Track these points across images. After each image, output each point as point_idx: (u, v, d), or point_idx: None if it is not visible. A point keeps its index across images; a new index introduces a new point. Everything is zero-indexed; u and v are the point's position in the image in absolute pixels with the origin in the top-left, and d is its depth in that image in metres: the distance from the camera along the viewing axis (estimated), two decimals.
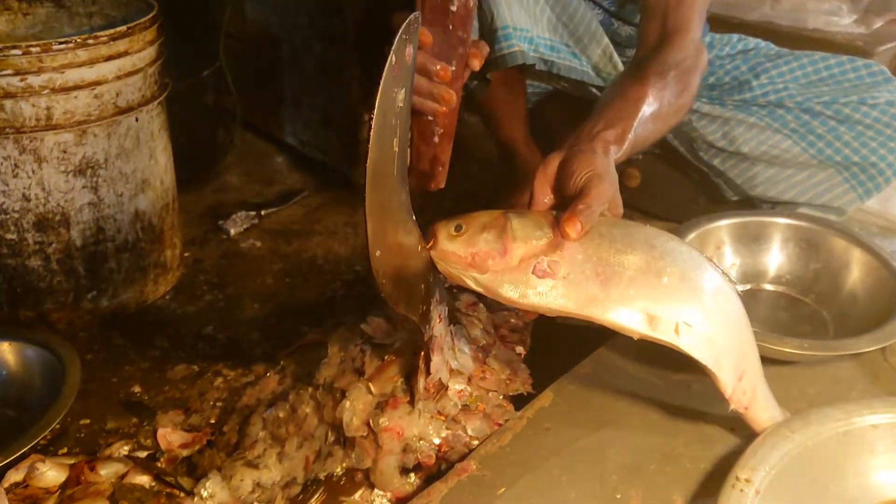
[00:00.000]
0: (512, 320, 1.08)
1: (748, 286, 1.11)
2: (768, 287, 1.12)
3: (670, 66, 0.99)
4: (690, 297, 0.73)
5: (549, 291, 0.70)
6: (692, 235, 1.09)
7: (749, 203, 1.28)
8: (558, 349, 1.13)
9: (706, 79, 1.32)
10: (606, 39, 1.20)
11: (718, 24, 1.47)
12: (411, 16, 0.59)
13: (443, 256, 0.71)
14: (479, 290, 0.72)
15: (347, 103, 1.58)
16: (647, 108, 0.92)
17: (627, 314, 0.71)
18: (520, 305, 0.72)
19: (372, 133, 0.55)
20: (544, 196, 0.78)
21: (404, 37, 0.58)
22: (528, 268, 0.70)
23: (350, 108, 1.58)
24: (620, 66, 1.26)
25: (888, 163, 1.20)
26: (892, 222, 1.31)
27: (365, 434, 0.87)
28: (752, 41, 1.35)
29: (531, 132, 1.34)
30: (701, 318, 0.73)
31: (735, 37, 1.36)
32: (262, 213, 1.50)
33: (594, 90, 1.29)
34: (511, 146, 1.30)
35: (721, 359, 0.75)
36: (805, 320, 1.06)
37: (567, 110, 1.42)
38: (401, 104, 0.59)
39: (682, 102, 0.99)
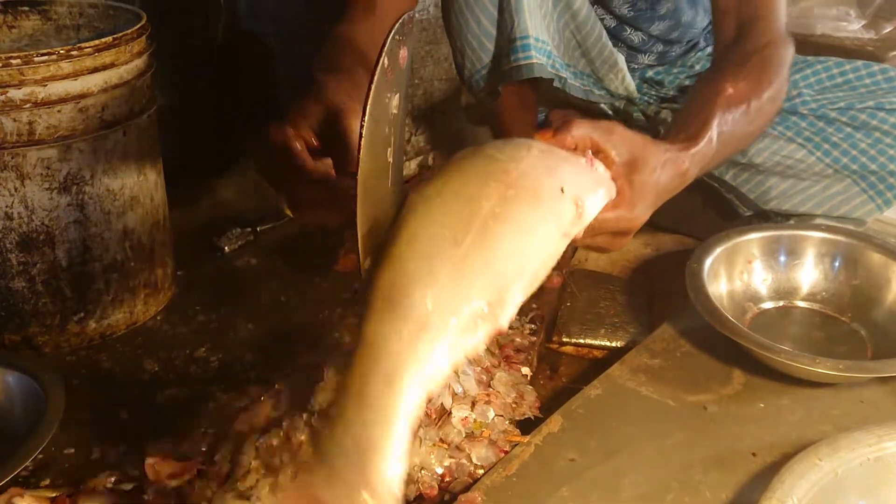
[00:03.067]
0: (517, 339, 1.04)
1: (781, 303, 1.07)
2: (802, 304, 1.07)
3: (749, 53, 0.90)
4: None
5: None
6: (720, 249, 1.04)
7: (764, 217, 1.24)
8: (566, 370, 1.09)
9: None
10: (621, 61, 1.16)
11: None
12: (404, 16, 0.55)
13: None
14: None
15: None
16: (728, 102, 0.83)
17: None
18: None
19: (363, 141, 0.50)
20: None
21: (397, 38, 0.53)
22: None
23: None
24: (632, 87, 1.22)
25: None
26: None
27: None
28: None
29: None
30: None
31: None
32: (258, 229, 1.46)
33: (604, 107, 1.26)
34: None
35: None
36: (841, 340, 1.02)
37: None
38: (395, 110, 0.55)
39: (771, 93, 0.89)
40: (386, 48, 0.51)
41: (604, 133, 0.68)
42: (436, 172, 0.58)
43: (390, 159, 0.56)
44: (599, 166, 0.67)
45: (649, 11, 1.18)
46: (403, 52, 0.55)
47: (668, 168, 0.73)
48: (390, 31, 0.52)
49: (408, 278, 0.52)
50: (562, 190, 0.58)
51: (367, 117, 0.50)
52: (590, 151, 0.66)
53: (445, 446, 0.83)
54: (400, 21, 0.54)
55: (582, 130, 0.66)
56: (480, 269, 0.53)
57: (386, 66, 0.52)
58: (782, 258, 1.07)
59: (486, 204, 0.54)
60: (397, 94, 0.55)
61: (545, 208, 0.57)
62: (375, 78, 0.50)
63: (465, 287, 0.52)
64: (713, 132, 0.80)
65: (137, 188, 1.13)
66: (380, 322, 0.51)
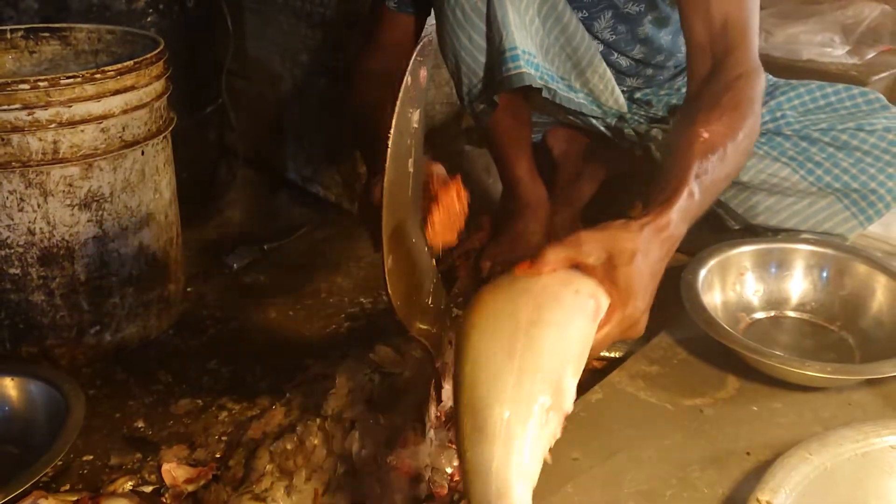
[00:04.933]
0: None
1: (772, 313, 1.11)
2: (792, 314, 1.12)
3: (722, 90, 0.90)
4: None
5: None
6: (714, 261, 1.09)
7: (753, 231, 1.28)
8: None
9: None
10: (609, 73, 1.21)
11: None
12: (425, 39, 0.60)
13: None
14: None
15: (349, 139, 1.59)
16: (704, 149, 0.82)
17: None
18: None
19: (388, 153, 0.55)
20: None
21: (419, 59, 0.58)
22: None
23: (352, 143, 1.59)
24: (622, 100, 1.27)
25: (888, 189, 1.21)
26: (894, 247, 1.32)
27: (373, 470, 0.85)
28: None
29: (536, 162, 1.34)
30: None
31: None
32: (265, 247, 1.50)
33: (594, 121, 1.31)
34: (514, 176, 1.30)
35: None
36: (830, 347, 1.06)
37: (570, 141, 1.44)
38: (415, 125, 0.60)
39: (745, 130, 0.88)
40: (409, 68, 0.56)
41: (574, 246, 0.70)
42: (473, 300, 0.68)
43: (411, 169, 0.60)
44: (599, 295, 0.71)
45: (629, 35, 1.23)
46: (423, 72, 0.60)
47: (651, 244, 0.73)
48: (413, 53, 0.57)
49: (482, 402, 0.61)
50: (577, 291, 0.68)
51: (392, 130, 0.55)
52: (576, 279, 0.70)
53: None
54: (421, 43, 0.59)
55: (554, 253, 0.69)
56: (536, 372, 0.63)
57: (409, 84, 0.57)
58: (773, 270, 1.11)
59: (524, 315, 0.64)
60: (418, 110, 0.60)
61: (570, 305, 0.67)
62: (400, 95, 0.55)
63: (529, 392, 0.62)
64: (692, 185, 0.79)
65: (153, 205, 1.18)
66: (476, 447, 0.60)
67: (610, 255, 0.71)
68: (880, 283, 1.06)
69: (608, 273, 0.71)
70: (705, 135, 0.84)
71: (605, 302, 0.70)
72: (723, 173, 0.85)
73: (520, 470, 0.60)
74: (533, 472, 0.61)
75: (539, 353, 0.63)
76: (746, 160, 0.95)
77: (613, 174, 1.45)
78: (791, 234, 1.24)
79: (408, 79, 0.56)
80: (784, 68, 1.65)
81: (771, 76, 1.35)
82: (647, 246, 0.72)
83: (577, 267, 0.70)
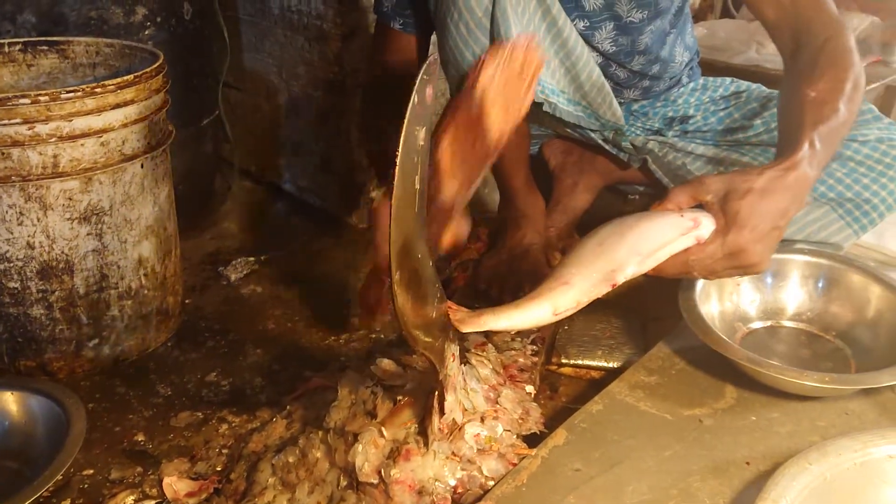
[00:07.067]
0: (520, 360, 1.08)
1: (768, 322, 1.12)
2: (788, 324, 1.13)
3: (815, 56, 0.95)
4: None
5: None
6: None
7: None
8: (565, 390, 1.14)
9: (698, 123, 1.35)
10: (607, 86, 1.23)
11: (706, 67, 1.51)
12: (430, 58, 0.61)
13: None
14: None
15: (345, 149, 1.60)
16: (815, 105, 0.90)
17: None
18: None
19: (397, 171, 0.56)
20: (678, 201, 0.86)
21: (425, 77, 0.59)
22: None
23: (348, 153, 1.60)
24: (619, 113, 1.29)
25: (881, 198, 1.23)
26: (888, 256, 1.33)
27: (376, 483, 0.86)
28: (744, 84, 1.39)
29: (533, 174, 1.35)
30: None
31: (727, 80, 1.40)
32: (263, 258, 1.50)
33: (592, 134, 1.32)
34: (512, 187, 1.31)
35: None
36: (827, 357, 1.07)
37: (566, 153, 1.45)
38: (422, 142, 0.60)
39: (852, 80, 0.93)
40: (416, 87, 0.57)
41: (696, 185, 0.84)
42: None
43: (417, 186, 0.61)
44: (701, 216, 0.85)
45: (629, 46, 1.25)
46: (429, 91, 0.61)
47: (772, 186, 0.83)
48: (419, 72, 0.58)
49: (567, 264, 0.84)
50: (682, 214, 0.85)
51: (400, 148, 0.56)
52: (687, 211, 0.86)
53: (458, 459, 0.87)
54: (427, 62, 0.60)
55: (677, 192, 0.84)
56: (606, 254, 0.83)
57: (416, 103, 0.58)
58: (769, 280, 1.13)
59: (629, 221, 0.85)
60: (424, 128, 0.61)
61: (665, 220, 0.85)
62: (407, 114, 0.56)
63: (595, 263, 0.82)
64: (812, 136, 0.87)
65: (152, 218, 1.18)
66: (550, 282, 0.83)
67: (727, 191, 0.82)
68: (874, 293, 1.07)
69: (722, 205, 0.82)
70: (812, 94, 0.92)
71: (706, 223, 0.84)
72: (838, 122, 0.91)
73: (563, 300, 0.82)
74: (569, 306, 0.82)
75: (619, 243, 0.83)
76: (859, 108, 1.00)
77: (609, 185, 1.46)
78: (786, 244, 1.26)
79: (415, 98, 0.57)
80: (775, 80, 1.66)
81: (765, 88, 1.37)
82: (766, 186, 0.82)
83: (700, 206, 0.85)
